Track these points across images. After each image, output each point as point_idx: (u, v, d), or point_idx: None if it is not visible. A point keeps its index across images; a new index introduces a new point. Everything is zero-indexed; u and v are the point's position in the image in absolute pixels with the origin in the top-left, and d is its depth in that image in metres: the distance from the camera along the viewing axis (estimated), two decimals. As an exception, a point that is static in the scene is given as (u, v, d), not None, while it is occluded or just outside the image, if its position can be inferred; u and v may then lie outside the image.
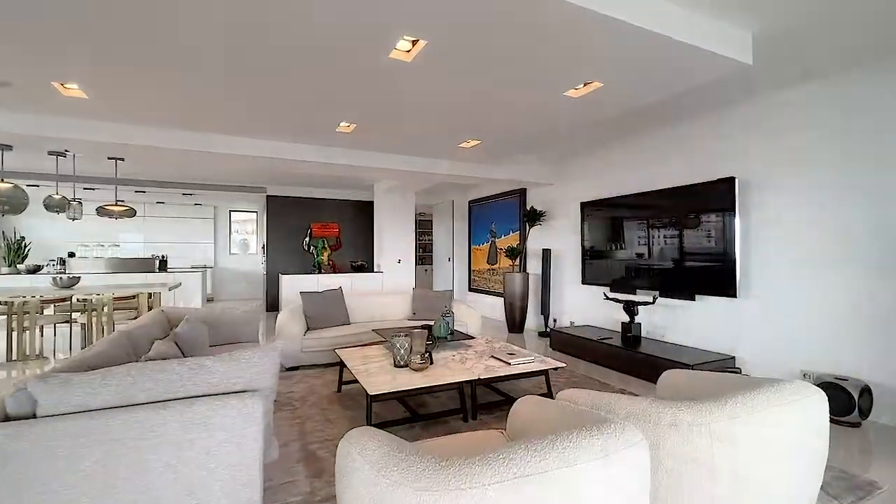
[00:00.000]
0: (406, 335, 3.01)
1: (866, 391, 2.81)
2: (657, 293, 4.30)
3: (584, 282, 5.36)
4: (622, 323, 4.52)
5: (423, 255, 11.54)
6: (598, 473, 0.95)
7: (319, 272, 6.94)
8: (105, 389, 1.47)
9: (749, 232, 3.66)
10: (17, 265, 6.26)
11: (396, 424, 2.78)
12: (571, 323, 5.65)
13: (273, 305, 8.01)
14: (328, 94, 3.17)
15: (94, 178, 6.86)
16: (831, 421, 2.39)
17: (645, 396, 2.21)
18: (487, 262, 7.68)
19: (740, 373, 3.24)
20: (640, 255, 4.58)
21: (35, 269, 6.07)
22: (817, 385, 2.92)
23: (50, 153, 5.16)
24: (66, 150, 4.89)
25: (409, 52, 2.49)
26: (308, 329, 4.42)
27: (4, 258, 6.44)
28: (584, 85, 2.95)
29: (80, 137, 3.74)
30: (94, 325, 4.87)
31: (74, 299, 5.01)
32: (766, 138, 3.55)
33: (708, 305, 3.99)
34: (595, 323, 5.28)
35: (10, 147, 4.40)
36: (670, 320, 4.35)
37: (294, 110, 3.54)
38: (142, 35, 2.34)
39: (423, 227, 11.59)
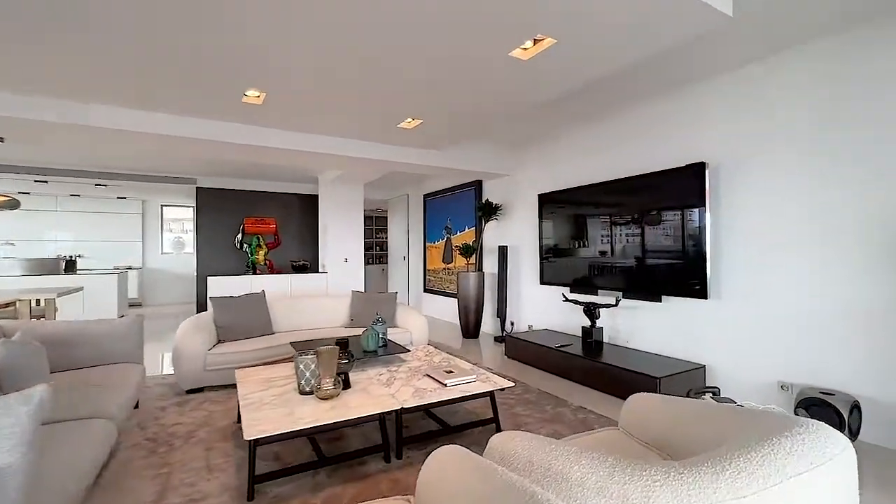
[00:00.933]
0: (314, 352, 2.38)
1: (856, 408, 2.41)
2: (620, 294, 3.84)
3: (542, 281, 4.86)
4: (583, 327, 4.05)
5: (380, 253, 10.86)
6: None
7: (254, 272, 6.15)
8: None
9: (720, 224, 3.25)
10: None
11: (296, 472, 2.13)
12: (530, 327, 5.16)
13: (205, 310, 7.12)
14: (215, 54, 2.49)
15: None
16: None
17: (609, 430, 1.68)
18: (443, 260, 7.09)
19: (718, 393, 2.80)
20: (602, 253, 4.11)
21: None
22: (801, 401, 2.50)
23: None
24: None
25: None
26: (218, 341, 3.70)
27: None
28: (534, 43, 2.41)
29: None
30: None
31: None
32: (740, 118, 3.14)
33: (675, 307, 3.56)
34: (555, 327, 4.80)
35: None
36: (635, 324, 3.91)
37: (183, 75, 2.82)
38: None
39: (380, 224, 10.89)
